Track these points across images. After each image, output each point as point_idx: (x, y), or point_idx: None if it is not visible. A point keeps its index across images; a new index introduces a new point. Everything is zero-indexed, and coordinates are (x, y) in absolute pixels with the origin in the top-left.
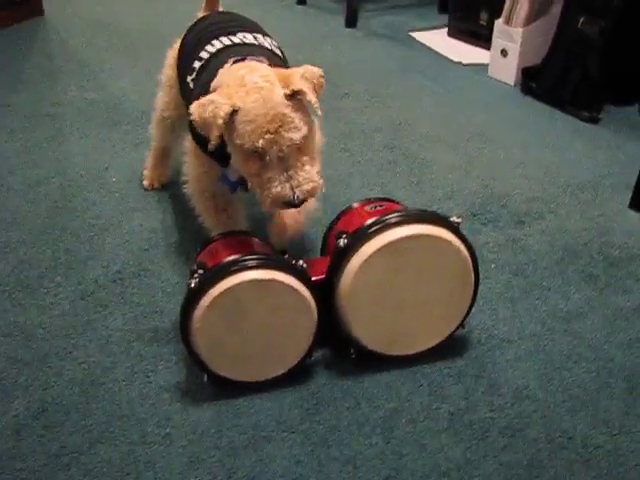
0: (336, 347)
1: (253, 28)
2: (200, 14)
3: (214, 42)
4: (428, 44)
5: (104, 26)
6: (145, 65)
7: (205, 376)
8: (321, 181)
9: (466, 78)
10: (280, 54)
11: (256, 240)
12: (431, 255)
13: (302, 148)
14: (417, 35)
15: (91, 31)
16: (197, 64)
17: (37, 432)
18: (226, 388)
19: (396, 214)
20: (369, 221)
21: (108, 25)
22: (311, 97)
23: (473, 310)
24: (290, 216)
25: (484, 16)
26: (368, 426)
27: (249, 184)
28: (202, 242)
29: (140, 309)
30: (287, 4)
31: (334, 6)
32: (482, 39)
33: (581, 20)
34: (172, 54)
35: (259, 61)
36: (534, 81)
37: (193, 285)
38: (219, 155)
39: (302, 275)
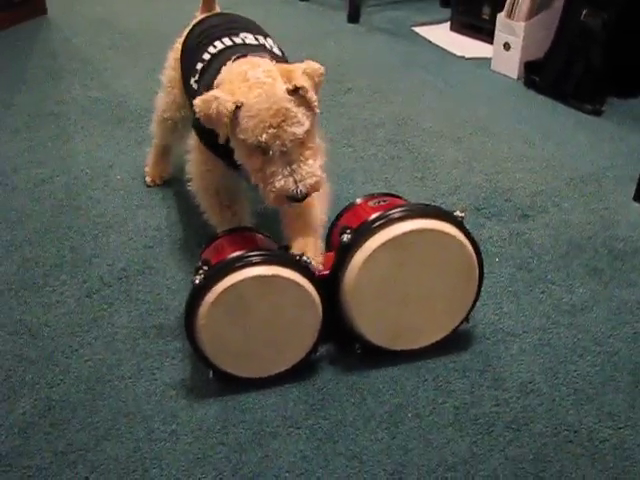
0: (341, 342)
1: (254, 29)
2: (198, 14)
3: (216, 43)
4: (431, 39)
5: (107, 25)
6: (147, 63)
7: (210, 372)
8: (323, 175)
9: (469, 72)
10: (280, 54)
11: (260, 236)
12: (435, 250)
13: (305, 142)
14: (420, 30)
15: (94, 30)
16: (200, 65)
17: (44, 430)
18: (231, 384)
19: (400, 209)
20: (373, 216)
21: (110, 24)
22: (311, 95)
23: (477, 304)
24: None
25: (486, 10)
26: (374, 421)
27: (252, 179)
28: (206, 239)
29: (145, 306)
30: (290, 0)
31: (336, 2)
32: (484, 33)
33: (584, 12)
34: (173, 55)
35: (261, 57)
36: (537, 74)
37: (197, 282)
38: (222, 151)
39: (306, 271)
